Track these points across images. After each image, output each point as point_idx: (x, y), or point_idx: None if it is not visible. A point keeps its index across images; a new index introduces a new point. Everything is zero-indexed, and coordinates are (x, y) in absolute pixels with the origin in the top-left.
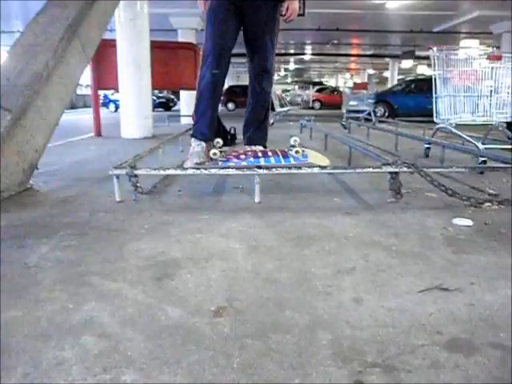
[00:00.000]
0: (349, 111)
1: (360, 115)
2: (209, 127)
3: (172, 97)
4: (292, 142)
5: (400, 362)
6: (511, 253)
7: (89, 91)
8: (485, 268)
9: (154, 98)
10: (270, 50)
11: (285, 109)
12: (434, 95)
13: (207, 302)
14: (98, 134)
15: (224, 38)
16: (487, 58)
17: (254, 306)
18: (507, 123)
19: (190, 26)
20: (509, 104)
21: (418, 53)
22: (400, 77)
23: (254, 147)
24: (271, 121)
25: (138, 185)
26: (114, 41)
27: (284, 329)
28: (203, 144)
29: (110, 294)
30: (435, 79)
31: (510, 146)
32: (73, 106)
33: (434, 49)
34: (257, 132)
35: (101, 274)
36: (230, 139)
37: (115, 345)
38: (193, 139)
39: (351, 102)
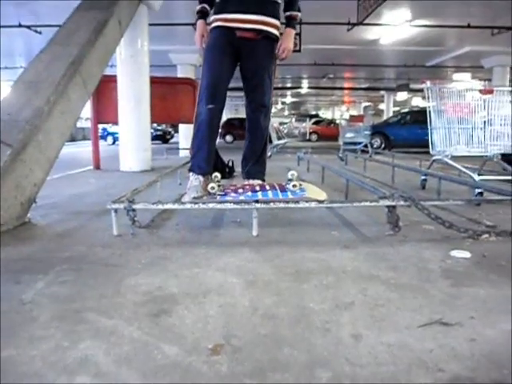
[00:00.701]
0: (346, 143)
1: (357, 147)
2: (206, 161)
3: (169, 130)
4: (289, 176)
5: None
6: None
7: (88, 124)
8: (484, 301)
9: (152, 130)
10: (268, 86)
11: (282, 141)
12: (429, 127)
13: (204, 339)
14: (97, 167)
15: (220, 75)
16: (480, 92)
17: (251, 343)
18: (502, 155)
19: (188, 62)
20: (502, 136)
21: (412, 85)
22: (395, 108)
23: (252, 181)
24: (269, 153)
25: (136, 219)
26: (114, 76)
27: (282, 367)
28: (201, 178)
29: (106, 331)
30: (430, 112)
31: (505, 178)
32: (72, 139)
33: (428, 82)
34: (255, 166)
35: (97, 310)
36: (228, 172)
37: None
38: (191, 173)
39: (348, 134)
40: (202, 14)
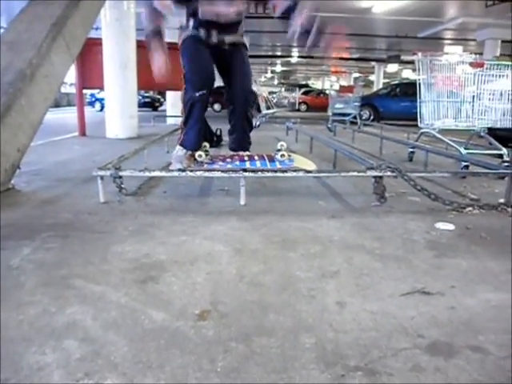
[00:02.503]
0: (335, 114)
1: (346, 118)
2: (197, 139)
3: (158, 97)
4: (279, 147)
5: (382, 365)
6: (510, 258)
7: (73, 89)
8: (465, 272)
9: (140, 97)
10: (249, 74)
11: (271, 111)
12: (418, 100)
13: (191, 305)
14: (83, 133)
15: (202, 60)
16: (470, 65)
17: (238, 309)
18: (488, 129)
19: (176, 26)
20: (490, 110)
21: (403, 57)
22: (385, 80)
23: (241, 152)
24: (257, 123)
25: (123, 186)
26: (100, 39)
27: (268, 332)
28: (186, 151)
29: (94, 297)
30: (419, 84)
31: (491, 152)
32: (57, 104)
33: (419, 54)
34: (241, 141)
35: (84, 276)
36: (215, 141)
37: (98, 349)
38: (178, 145)
39: (337, 105)
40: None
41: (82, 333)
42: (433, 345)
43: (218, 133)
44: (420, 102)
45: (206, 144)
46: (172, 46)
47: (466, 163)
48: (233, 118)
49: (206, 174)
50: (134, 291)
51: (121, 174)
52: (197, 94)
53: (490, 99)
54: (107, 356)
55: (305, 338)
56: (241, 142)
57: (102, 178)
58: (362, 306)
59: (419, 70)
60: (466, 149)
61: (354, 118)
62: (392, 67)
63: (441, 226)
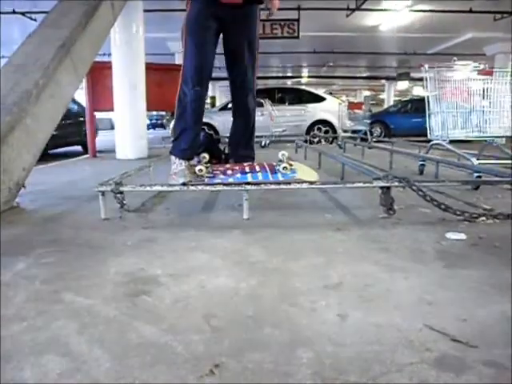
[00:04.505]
0: (345, 131)
1: (356, 135)
2: (190, 145)
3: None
4: (280, 157)
5: (385, 381)
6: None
7: None
8: (477, 282)
9: (154, 120)
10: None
11: (280, 129)
12: (427, 112)
13: (183, 319)
14: (93, 155)
15: (206, 57)
16: (478, 73)
17: (231, 323)
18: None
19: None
20: (500, 119)
21: (413, 74)
22: (397, 98)
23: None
24: (267, 142)
25: (124, 202)
26: (109, 63)
27: (262, 346)
28: (184, 163)
29: (82, 311)
30: (428, 96)
31: (504, 162)
32: None
33: (426, 66)
34: (245, 150)
35: (75, 290)
36: (224, 158)
37: (79, 365)
38: (173, 157)
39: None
40: None
41: (64, 348)
42: (442, 359)
43: (227, 151)
44: (429, 114)
45: (206, 156)
46: (178, 67)
47: (478, 174)
48: (234, 121)
49: (208, 187)
50: (124, 305)
51: (122, 189)
52: (193, 90)
53: (500, 108)
54: (88, 372)
55: (301, 352)
56: (242, 157)
57: (103, 194)
58: (365, 318)
59: (426, 80)
60: (478, 159)
61: (365, 134)
62: (402, 84)
63: (452, 235)
